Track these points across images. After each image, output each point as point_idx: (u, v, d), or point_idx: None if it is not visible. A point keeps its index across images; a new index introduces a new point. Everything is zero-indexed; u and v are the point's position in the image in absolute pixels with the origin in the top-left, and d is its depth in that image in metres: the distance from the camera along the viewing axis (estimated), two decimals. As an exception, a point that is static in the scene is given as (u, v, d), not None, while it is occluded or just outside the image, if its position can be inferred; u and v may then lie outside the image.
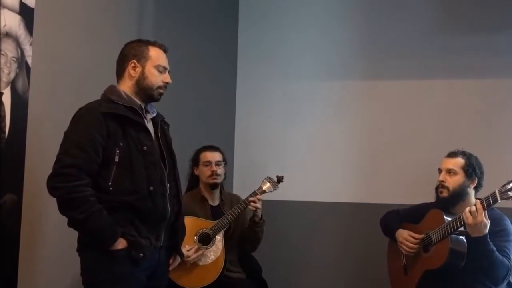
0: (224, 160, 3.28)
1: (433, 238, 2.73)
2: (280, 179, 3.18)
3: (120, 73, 2.34)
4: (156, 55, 2.32)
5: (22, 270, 2.37)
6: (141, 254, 2.17)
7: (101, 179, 2.17)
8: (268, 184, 3.15)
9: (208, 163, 3.20)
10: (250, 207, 3.09)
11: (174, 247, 2.41)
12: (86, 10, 2.81)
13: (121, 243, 2.15)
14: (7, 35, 2.37)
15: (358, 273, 3.83)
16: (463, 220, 2.55)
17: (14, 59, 2.40)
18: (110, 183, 2.17)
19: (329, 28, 4.07)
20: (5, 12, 2.35)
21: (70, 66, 2.69)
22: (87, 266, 2.19)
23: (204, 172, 3.20)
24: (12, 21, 2.38)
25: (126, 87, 2.31)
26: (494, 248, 2.58)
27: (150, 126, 2.35)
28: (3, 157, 2.32)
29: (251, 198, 3.08)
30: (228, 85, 4.26)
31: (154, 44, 2.35)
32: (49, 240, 2.53)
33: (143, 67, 2.30)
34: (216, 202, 3.26)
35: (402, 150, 3.84)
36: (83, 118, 2.20)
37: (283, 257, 3.95)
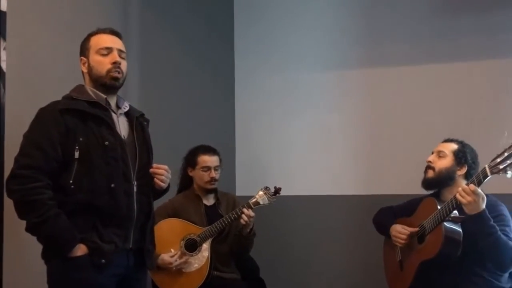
0: (221, 162, 3.19)
1: (426, 227, 2.60)
2: (277, 191, 3.01)
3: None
4: (95, 41, 2.24)
5: (6, 277, 2.36)
6: (103, 260, 2.07)
7: (62, 178, 2.08)
8: (263, 196, 2.98)
9: (207, 169, 3.10)
10: (241, 221, 2.95)
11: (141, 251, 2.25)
12: (60, 10, 2.76)
13: (80, 250, 2.05)
14: (-22, 40, 2.34)
15: (361, 267, 3.70)
16: (457, 203, 2.42)
17: (-14, 65, 2.38)
18: (71, 181, 2.07)
19: (326, 16, 3.96)
20: (-26, 17, 2.33)
21: (46, 69, 2.65)
22: (51, 274, 2.12)
23: (202, 177, 3.10)
24: (-17, 26, 2.36)
25: (87, 84, 2.26)
26: (496, 225, 2.43)
27: (120, 121, 2.25)
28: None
29: (244, 210, 2.94)
30: (226, 79, 4.18)
31: (96, 32, 2.27)
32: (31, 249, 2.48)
33: (88, 59, 2.24)
34: (211, 202, 3.18)
35: (404, 138, 3.69)
36: (40, 117, 2.13)
37: (282, 254, 3.84)
